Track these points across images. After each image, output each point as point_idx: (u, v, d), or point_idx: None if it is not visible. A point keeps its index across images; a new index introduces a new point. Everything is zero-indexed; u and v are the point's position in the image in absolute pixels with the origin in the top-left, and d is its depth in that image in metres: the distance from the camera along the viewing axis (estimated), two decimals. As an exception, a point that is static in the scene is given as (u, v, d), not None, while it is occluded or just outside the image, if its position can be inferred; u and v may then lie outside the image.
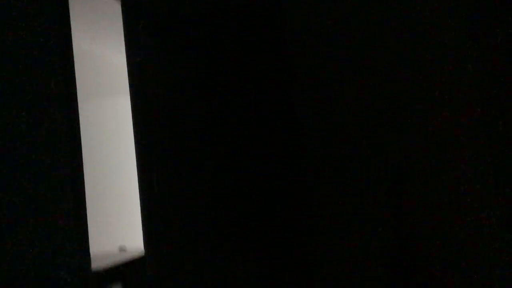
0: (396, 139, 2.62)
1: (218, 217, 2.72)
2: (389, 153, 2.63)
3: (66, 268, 1.86)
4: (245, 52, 2.82)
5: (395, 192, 2.61)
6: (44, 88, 2.47)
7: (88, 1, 3.91)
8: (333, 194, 2.64)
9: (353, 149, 2.65)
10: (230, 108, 2.80)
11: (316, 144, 2.69)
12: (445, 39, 2.58)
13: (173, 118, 2.90)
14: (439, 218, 2.55)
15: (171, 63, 2.95)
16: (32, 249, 2.24)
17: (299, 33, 2.72)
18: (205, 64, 2.87)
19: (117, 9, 3.10)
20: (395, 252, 2.60)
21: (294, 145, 2.73)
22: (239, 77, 2.81)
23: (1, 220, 2.07)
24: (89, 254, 2.50)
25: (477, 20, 2.54)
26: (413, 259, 2.58)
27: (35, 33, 2.41)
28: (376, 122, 2.64)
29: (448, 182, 2.55)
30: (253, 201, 2.69)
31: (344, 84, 2.68)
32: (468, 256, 2.52)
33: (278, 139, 2.75)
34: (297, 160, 2.72)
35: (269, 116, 2.76)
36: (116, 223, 5.63)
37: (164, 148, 2.91)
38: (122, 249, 2.48)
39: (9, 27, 2.23)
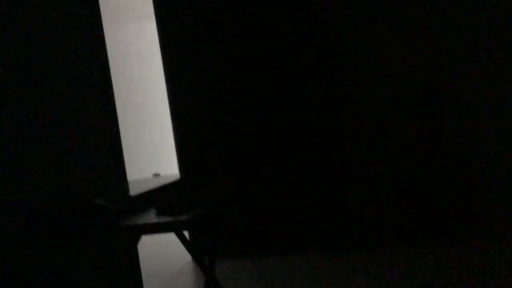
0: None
1: (247, 139, 2.72)
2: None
3: (105, 194, 1.90)
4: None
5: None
6: (68, 17, 2.44)
7: None
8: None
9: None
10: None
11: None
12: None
13: (202, 43, 2.85)
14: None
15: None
16: (74, 178, 2.30)
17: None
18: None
19: None
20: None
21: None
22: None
23: (44, 152, 2.11)
24: (126, 180, 2.55)
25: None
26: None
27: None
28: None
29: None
30: (289, 131, 2.67)
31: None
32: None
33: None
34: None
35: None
36: (150, 152, 5.73)
37: (194, 72, 2.88)
38: (156, 176, 2.52)
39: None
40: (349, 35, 2.62)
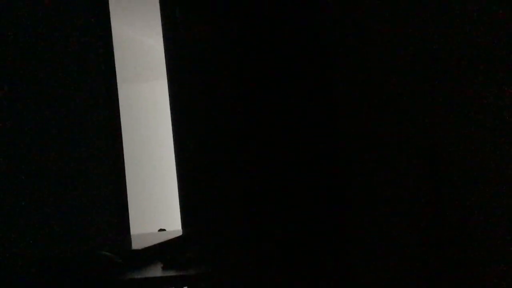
0: (431, 124, 2.59)
1: (252, 200, 2.75)
2: (424, 139, 2.60)
3: (108, 247, 1.91)
4: (288, 47, 2.81)
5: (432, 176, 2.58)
6: (85, 73, 2.53)
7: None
8: (371, 182, 2.63)
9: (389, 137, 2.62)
10: (269, 98, 2.81)
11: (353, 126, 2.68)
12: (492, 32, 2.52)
13: (210, 105, 2.93)
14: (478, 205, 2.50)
15: (207, 48, 2.97)
16: (76, 231, 2.32)
17: (344, 32, 2.71)
18: (243, 50, 2.88)
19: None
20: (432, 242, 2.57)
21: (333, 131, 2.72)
22: (280, 68, 2.81)
23: (49, 204, 2.14)
24: (129, 234, 2.56)
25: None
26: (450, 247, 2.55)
27: (75, 20, 2.47)
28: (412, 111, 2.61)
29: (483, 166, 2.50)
30: (291, 186, 2.70)
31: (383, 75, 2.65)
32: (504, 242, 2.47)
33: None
34: (335, 145, 2.71)
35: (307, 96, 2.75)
36: (156, 208, 5.74)
37: (201, 134, 2.95)
38: (161, 231, 2.53)
39: (50, 17, 2.29)
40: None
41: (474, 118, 2.50)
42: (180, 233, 2.35)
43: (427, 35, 2.57)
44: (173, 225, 5.80)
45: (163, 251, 1.79)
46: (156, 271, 1.44)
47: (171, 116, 3.17)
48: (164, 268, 1.47)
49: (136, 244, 1.95)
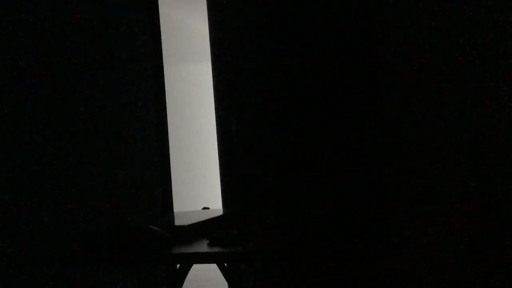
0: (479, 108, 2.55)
1: (290, 179, 2.78)
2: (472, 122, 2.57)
3: (154, 223, 1.98)
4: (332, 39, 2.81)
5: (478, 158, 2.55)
6: (132, 53, 2.60)
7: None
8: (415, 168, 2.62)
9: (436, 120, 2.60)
10: (313, 85, 2.82)
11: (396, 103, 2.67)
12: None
13: (253, 86, 2.96)
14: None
15: (253, 32, 2.99)
16: (123, 207, 2.41)
17: (389, 30, 2.70)
18: (287, 35, 2.89)
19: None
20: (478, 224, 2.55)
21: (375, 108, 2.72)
22: (324, 57, 2.82)
23: (101, 186, 2.23)
24: (172, 212, 2.64)
25: None
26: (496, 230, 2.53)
27: (124, 2, 2.53)
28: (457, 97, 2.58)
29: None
30: (334, 163, 2.72)
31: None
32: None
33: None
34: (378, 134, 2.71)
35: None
36: (200, 187, 5.85)
37: (243, 115, 2.99)
38: (205, 209, 2.60)
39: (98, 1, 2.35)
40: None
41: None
42: (222, 211, 2.41)
43: (470, 26, 2.53)
44: (216, 204, 5.90)
45: (209, 228, 1.85)
46: (202, 247, 1.50)
47: (214, 97, 3.22)
48: (210, 245, 1.53)
49: (180, 221, 2.02)
